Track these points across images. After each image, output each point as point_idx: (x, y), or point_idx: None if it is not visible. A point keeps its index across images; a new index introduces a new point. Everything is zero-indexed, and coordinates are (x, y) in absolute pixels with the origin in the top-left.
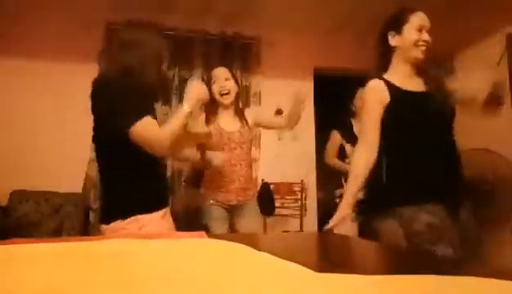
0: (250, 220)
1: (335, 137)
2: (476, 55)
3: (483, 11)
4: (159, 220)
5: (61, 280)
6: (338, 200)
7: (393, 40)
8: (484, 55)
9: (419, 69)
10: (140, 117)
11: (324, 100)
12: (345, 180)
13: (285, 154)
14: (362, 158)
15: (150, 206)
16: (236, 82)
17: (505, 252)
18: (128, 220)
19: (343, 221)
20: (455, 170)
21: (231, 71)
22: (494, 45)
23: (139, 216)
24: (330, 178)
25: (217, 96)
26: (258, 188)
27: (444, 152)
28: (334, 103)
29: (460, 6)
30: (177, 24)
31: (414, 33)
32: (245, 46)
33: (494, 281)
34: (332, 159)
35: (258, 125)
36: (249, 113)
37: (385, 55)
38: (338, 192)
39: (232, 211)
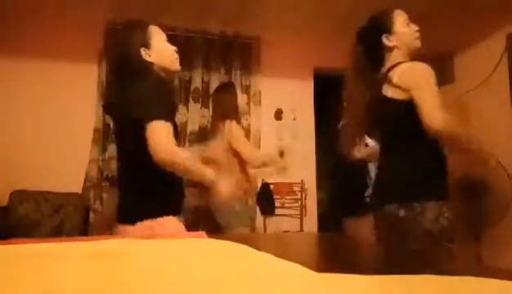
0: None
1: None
2: (476, 55)
3: (483, 11)
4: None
5: (61, 280)
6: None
7: (390, 41)
8: (484, 55)
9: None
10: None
11: (324, 100)
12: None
13: (284, 154)
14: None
15: (167, 211)
16: None
17: (500, 251)
18: (157, 219)
19: None
20: (440, 168)
21: None
22: (494, 45)
23: (163, 218)
24: (330, 178)
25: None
26: (258, 188)
27: (429, 151)
28: (334, 103)
29: (460, 6)
30: (177, 24)
31: (405, 28)
32: (245, 46)
33: (494, 281)
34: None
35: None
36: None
37: (382, 55)
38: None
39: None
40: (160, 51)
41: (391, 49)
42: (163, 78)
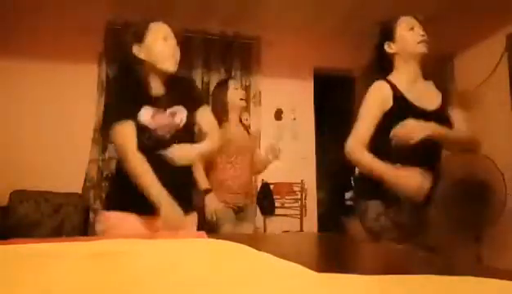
0: (248, 224)
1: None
2: (476, 55)
3: (483, 11)
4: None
5: (61, 280)
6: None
7: (391, 48)
8: (484, 55)
9: (425, 71)
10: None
11: (324, 100)
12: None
13: (285, 154)
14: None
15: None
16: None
17: (500, 251)
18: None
19: None
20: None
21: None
22: (494, 45)
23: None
24: (330, 178)
25: (237, 101)
26: (258, 188)
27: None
28: (334, 103)
29: (460, 6)
30: (176, 24)
31: (407, 33)
32: (245, 46)
33: (494, 281)
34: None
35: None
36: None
37: (386, 62)
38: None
39: (238, 212)
40: (150, 49)
41: (394, 56)
42: (135, 76)
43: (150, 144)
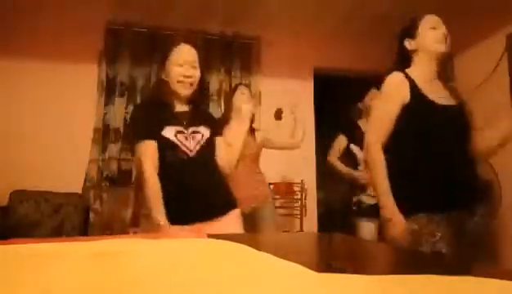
0: (267, 223)
1: (341, 140)
2: (476, 55)
3: (483, 11)
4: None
5: (61, 280)
6: (355, 208)
7: (410, 45)
8: (484, 55)
9: (441, 73)
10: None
11: (324, 100)
12: (357, 187)
13: (285, 154)
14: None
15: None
16: None
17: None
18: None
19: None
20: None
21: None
22: (494, 45)
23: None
24: (330, 178)
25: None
26: None
27: (457, 164)
28: (334, 103)
29: (460, 6)
30: (177, 24)
31: (428, 32)
32: (245, 46)
33: (494, 281)
34: (333, 158)
35: (267, 147)
36: (258, 133)
37: (406, 57)
38: (355, 199)
39: (249, 216)
40: (168, 71)
41: (413, 53)
42: (150, 100)
43: (174, 160)
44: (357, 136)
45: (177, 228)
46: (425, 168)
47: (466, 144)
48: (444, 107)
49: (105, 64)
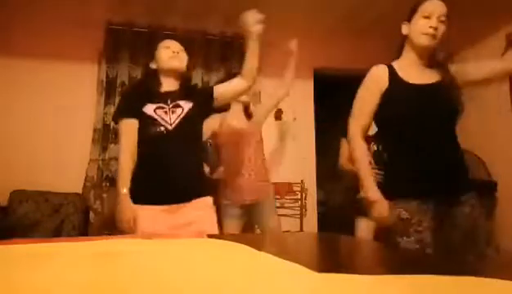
0: (267, 219)
1: (346, 143)
2: (476, 55)
3: (483, 11)
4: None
5: (61, 280)
6: (357, 205)
7: (404, 29)
8: (484, 55)
9: (431, 59)
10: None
11: (324, 100)
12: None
13: (285, 154)
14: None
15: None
16: None
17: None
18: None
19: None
20: (453, 169)
21: None
22: (494, 45)
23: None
24: (330, 179)
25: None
26: None
27: (442, 149)
28: (334, 103)
29: (461, 6)
30: (177, 24)
31: (420, 20)
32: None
33: (494, 281)
34: (345, 162)
35: (266, 114)
36: (254, 111)
37: (401, 45)
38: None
39: (249, 209)
40: (157, 57)
41: (405, 38)
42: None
43: (154, 134)
44: None
45: (136, 207)
46: (405, 151)
47: (450, 125)
48: (421, 86)
49: (105, 63)
